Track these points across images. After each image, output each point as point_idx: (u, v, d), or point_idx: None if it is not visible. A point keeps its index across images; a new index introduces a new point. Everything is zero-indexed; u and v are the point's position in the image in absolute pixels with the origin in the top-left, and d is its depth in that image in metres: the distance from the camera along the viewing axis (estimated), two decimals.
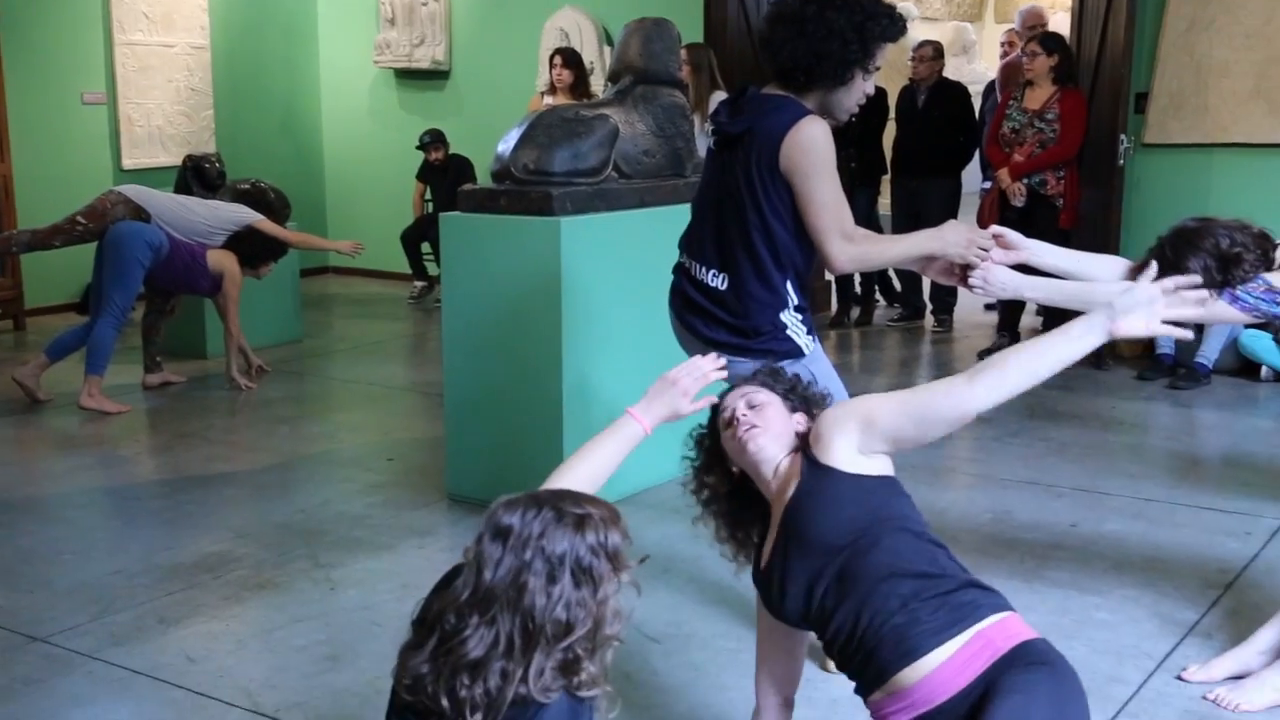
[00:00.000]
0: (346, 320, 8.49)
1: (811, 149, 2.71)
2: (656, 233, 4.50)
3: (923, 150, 7.46)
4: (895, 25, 2.77)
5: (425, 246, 8.75)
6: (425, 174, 8.88)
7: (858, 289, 8.07)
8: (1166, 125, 6.81)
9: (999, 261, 2.84)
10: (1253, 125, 6.58)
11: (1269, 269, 2.89)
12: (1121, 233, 6.67)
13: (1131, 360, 6.68)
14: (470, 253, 4.41)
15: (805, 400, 2.42)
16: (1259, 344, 6.20)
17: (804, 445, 2.29)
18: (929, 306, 7.86)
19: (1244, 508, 4.37)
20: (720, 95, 6.98)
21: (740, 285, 2.83)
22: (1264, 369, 6.25)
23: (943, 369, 6.89)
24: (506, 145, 4.37)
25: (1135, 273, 2.87)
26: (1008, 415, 5.34)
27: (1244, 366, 6.35)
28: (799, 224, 2.78)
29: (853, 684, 2.20)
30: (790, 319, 2.86)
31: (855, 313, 7.99)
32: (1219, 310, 2.86)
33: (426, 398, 6.03)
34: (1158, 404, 5.95)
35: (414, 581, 3.64)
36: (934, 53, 7.48)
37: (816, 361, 2.89)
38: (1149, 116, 6.83)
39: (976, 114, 7.86)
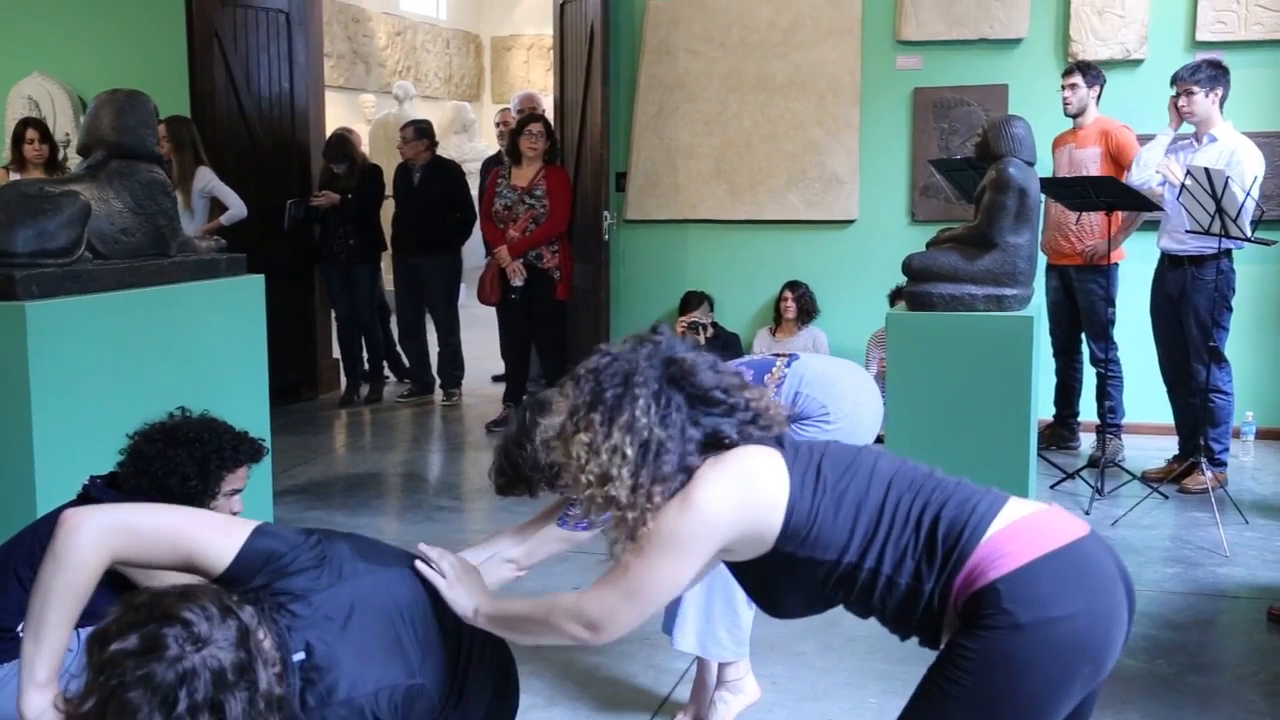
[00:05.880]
0: None
1: None
2: (139, 316, 4.25)
3: (421, 227, 7.58)
4: (239, 454, 2.86)
5: None
6: None
7: (366, 366, 8.01)
8: (644, 203, 7.37)
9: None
10: (716, 203, 7.28)
11: None
12: (611, 304, 7.11)
13: None
14: None
15: None
16: None
17: None
18: (438, 380, 7.95)
19: None
20: (206, 171, 6.73)
21: None
22: None
23: (454, 441, 6.99)
24: None
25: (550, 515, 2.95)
26: None
27: None
28: None
29: None
30: None
31: (365, 390, 7.92)
32: (566, 538, 2.89)
33: None
34: None
35: None
36: (415, 133, 7.62)
37: None
38: (629, 195, 7.37)
39: (476, 190, 8.10)
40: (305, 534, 2.10)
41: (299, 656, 1.94)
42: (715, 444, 2.00)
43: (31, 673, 1.93)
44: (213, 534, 2.01)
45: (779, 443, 2.03)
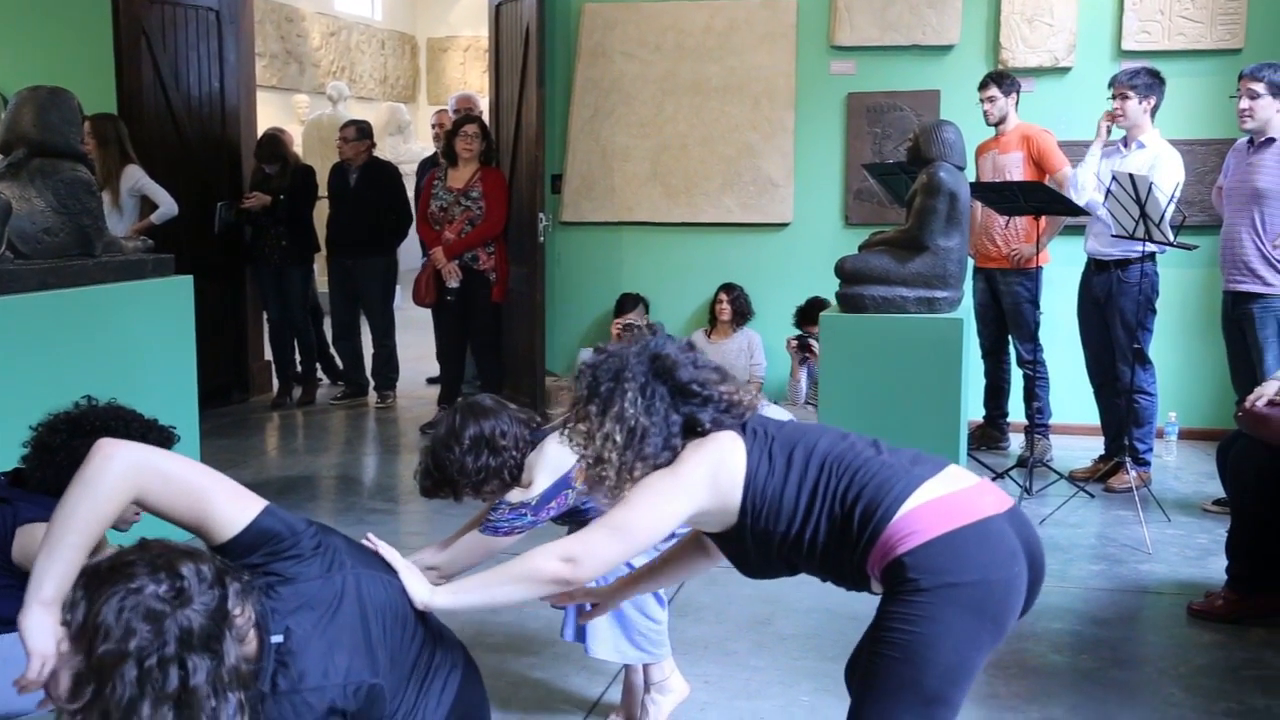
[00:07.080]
0: None
1: None
2: (62, 317, 4.18)
3: (357, 229, 7.52)
4: (147, 441, 2.59)
5: None
6: None
7: (299, 368, 7.93)
8: (580, 205, 7.37)
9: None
10: (652, 206, 7.30)
11: (519, 467, 2.91)
12: (546, 306, 7.09)
13: None
14: None
15: None
16: None
17: None
18: (371, 383, 7.89)
19: None
20: (134, 169, 6.62)
21: None
22: None
23: (388, 444, 6.94)
24: None
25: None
26: None
27: None
28: None
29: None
30: None
31: (298, 393, 7.84)
32: (486, 544, 2.89)
33: None
34: None
35: None
36: (356, 134, 7.56)
37: None
38: (564, 197, 7.36)
39: (411, 192, 8.04)
40: (307, 523, 2.14)
41: (277, 639, 1.96)
42: (692, 429, 2.31)
43: (39, 587, 1.92)
44: (229, 501, 2.04)
45: (743, 429, 2.34)
